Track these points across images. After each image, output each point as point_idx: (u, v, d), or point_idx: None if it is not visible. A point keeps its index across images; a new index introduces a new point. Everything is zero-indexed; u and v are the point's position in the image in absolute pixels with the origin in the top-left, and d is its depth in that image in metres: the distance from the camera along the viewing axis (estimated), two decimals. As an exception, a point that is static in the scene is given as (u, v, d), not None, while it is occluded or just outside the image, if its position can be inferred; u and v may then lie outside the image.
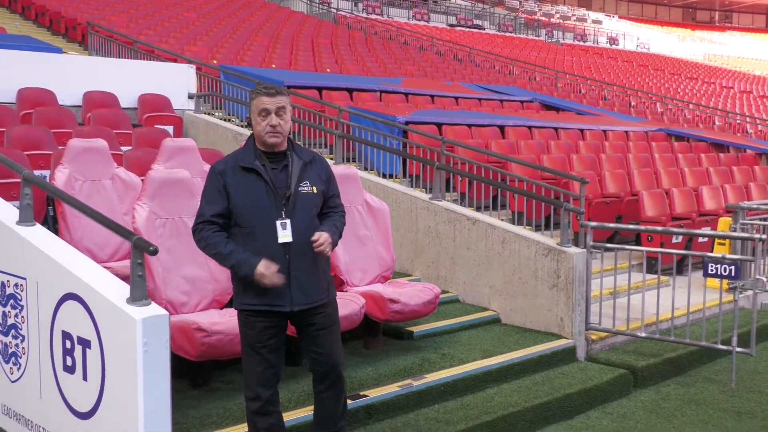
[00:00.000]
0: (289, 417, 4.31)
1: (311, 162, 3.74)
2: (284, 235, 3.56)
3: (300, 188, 3.64)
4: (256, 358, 3.63)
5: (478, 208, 7.64)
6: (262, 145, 3.67)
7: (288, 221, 3.57)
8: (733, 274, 5.87)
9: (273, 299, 3.57)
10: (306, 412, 4.37)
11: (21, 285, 4.15)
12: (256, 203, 3.58)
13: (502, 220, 7.32)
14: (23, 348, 4.18)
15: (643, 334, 6.35)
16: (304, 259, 3.60)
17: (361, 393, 4.83)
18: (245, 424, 4.22)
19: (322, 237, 3.57)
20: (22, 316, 4.17)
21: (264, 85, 3.66)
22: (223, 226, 3.63)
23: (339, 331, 3.84)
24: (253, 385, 3.64)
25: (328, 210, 3.79)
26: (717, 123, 21.24)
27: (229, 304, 4.97)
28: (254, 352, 3.63)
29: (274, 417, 3.71)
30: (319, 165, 3.78)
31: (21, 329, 4.19)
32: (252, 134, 3.72)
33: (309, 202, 3.65)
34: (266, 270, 3.48)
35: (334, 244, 3.69)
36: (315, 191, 3.68)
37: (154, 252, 3.58)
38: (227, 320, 4.49)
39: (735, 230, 7.78)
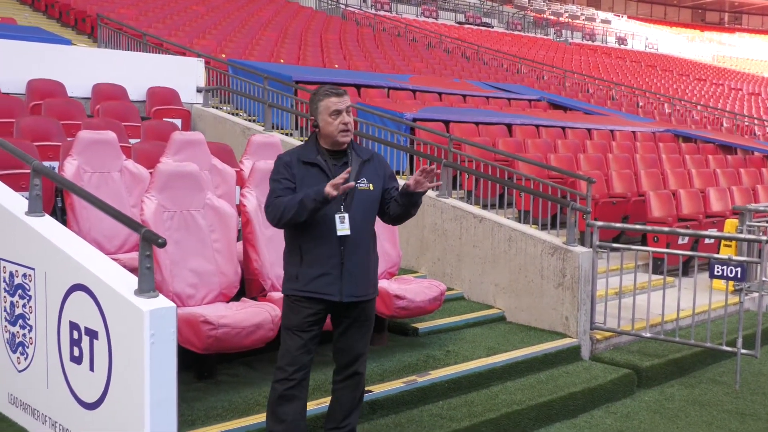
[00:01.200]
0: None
1: (370, 160, 3.85)
2: (342, 228, 3.67)
3: (358, 184, 3.74)
4: (295, 339, 3.73)
5: (484, 206, 7.64)
6: (328, 144, 3.78)
7: (346, 215, 3.68)
8: (739, 275, 5.86)
9: (324, 287, 3.68)
10: (322, 404, 4.38)
11: (29, 275, 4.18)
12: (315, 189, 3.65)
13: (508, 218, 7.32)
14: (31, 338, 4.20)
15: (648, 335, 6.35)
16: (357, 254, 3.72)
17: (366, 389, 4.82)
18: (250, 418, 4.27)
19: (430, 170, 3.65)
20: (30, 306, 4.19)
21: (328, 88, 3.79)
22: None
23: (371, 329, 3.93)
24: (285, 365, 3.73)
25: (393, 196, 3.84)
26: (725, 125, 21.18)
27: (236, 298, 5.01)
28: (294, 334, 3.73)
29: (298, 405, 3.76)
30: (377, 163, 3.88)
31: (29, 319, 4.21)
32: (313, 134, 3.83)
33: (366, 199, 3.76)
34: (332, 182, 3.52)
35: (419, 203, 3.81)
36: (372, 188, 3.78)
37: (163, 244, 3.60)
38: (234, 313, 4.51)
39: (741, 232, 7.76)
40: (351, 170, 3.69)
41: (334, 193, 3.50)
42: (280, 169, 3.77)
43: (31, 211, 4.32)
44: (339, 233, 3.66)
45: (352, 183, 3.61)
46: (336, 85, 3.88)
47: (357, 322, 3.83)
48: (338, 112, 3.71)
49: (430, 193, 7.64)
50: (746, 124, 22.23)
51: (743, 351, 5.93)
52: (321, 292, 3.70)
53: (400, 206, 3.77)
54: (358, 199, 3.74)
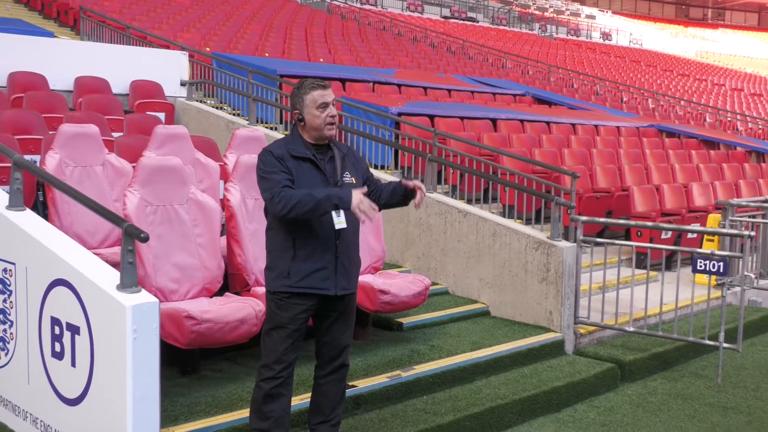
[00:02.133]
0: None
1: (347, 153, 3.89)
2: (339, 222, 3.68)
3: (344, 178, 3.77)
4: (283, 337, 3.69)
5: (469, 201, 7.65)
6: (313, 138, 3.77)
7: (341, 209, 3.65)
8: (721, 270, 5.91)
9: (320, 282, 3.67)
10: (304, 399, 4.37)
11: (10, 270, 4.13)
12: (309, 184, 3.68)
13: (493, 213, 7.33)
14: (11, 333, 4.16)
15: (631, 329, 6.39)
16: (349, 246, 3.77)
17: (350, 383, 4.82)
18: (234, 413, 4.25)
19: (416, 182, 3.78)
20: (11, 302, 4.15)
21: (313, 81, 3.77)
22: None
23: (354, 320, 3.97)
24: (272, 363, 3.70)
25: (379, 185, 3.91)
26: (708, 120, 21.32)
27: (219, 293, 4.99)
28: (283, 331, 3.70)
29: (283, 402, 3.74)
30: (353, 155, 3.93)
31: (9, 314, 4.17)
32: (295, 126, 3.81)
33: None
34: (361, 194, 3.55)
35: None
36: (354, 181, 3.80)
37: (145, 239, 3.57)
38: (217, 308, 4.49)
39: (724, 227, 7.83)
40: (337, 168, 3.76)
41: (363, 205, 3.49)
42: (274, 161, 3.68)
43: (12, 205, 4.28)
44: (337, 227, 3.66)
45: (375, 215, 3.63)
46: (320, 79, 3.87)
47: (343, 315, 3.85)
48: (325, 105, 3.70)
49: (415, 187, 7.63)
50: (729, 119, 22.40)
51: (725, 345, 5.98)
52: (316, 287, 3.67)
53: (395, 200, 3.86)
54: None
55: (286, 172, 3.66)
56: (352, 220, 3.73)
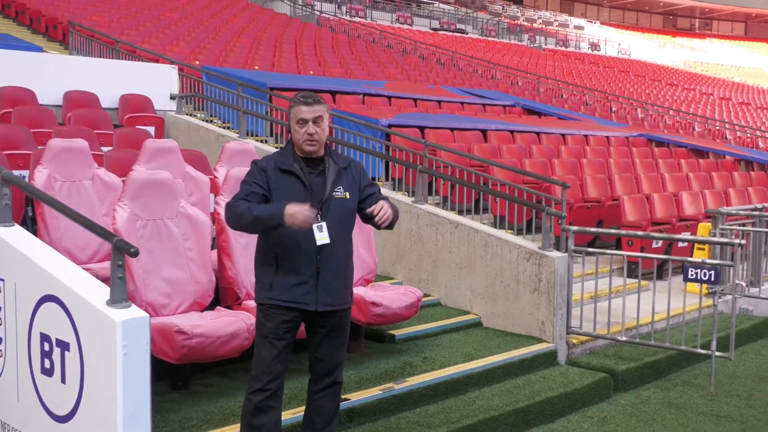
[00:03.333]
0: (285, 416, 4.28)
1: (347, 168, 3.83)
2: (321, 237, 3.65)
3: (334, 193, 3.72)
4: (269, 347, 3.69)
5: (460, 212, 7.65)
6: (300, 152, 3.77)
7: (324, 224, 3.65)
8: (712, 278, 5.92)
9: (299, 297, 3.66)
10: (298, 413, 4.34)
11: (-1, 286, 4.10)
12: (294, 198, 3.65)
13: (484, 223, 7.34)
14: (0, 350, 4.12)
15: (624, 338, 6.39)
16: (333, 262, 3.70)
17: (343, 396, 4.79)
18: (226, 428, 4.22)
19: (383, 206, 3.65)
20: (0, 318, 4.11)
21: (303, 95, 3.77)
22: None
23: (347, 337, 3.91)
24: (260, 374, 3.68)
25: (374, 201, 3.80)
26: (697, 129, 21.45)
27: (210, 307, 4.96)
28: (268, 342, 3.69)
29: (273, 415, 3.72)
30: (354, 170, 3.86)
31: (-2, 331, 4.13)
32: (290, 140, 3.83)
33: (342, 207, 3.74)
34: (297, 207, 3.49)
35: (395, 216, 3.73)
36: (348, 197, 3.76)
37: (135, 254, 3.55)
38: (208, 323, 4.46)
39: (714, 235, 7.85)
40: (327, 182, 3.71)
41: (299, 216, 3.46)
42: (254, 172, 3.74)
43: (1, 220, 4.25)
44: (318, 242, 3.64)
45: (314, 215, 3.52)
46: (313, 92, 3.86)
47: (333, 332, 3.80)
48: (304, 122, 3.68)
49: (406, 199, 7.64)
50: (717, 128, 22.54)
51: (717, 353, 5.99)
52: (296, 301, 3.66)
53: (371, 224, 3.78)
54: (334, 207, 3.72)
55: (261, 185, 3.68)
56: (341, 236, 3.71)
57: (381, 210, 3.64)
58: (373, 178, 9.45)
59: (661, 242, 8.58)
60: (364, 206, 3.80)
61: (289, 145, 3.83)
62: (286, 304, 3.67)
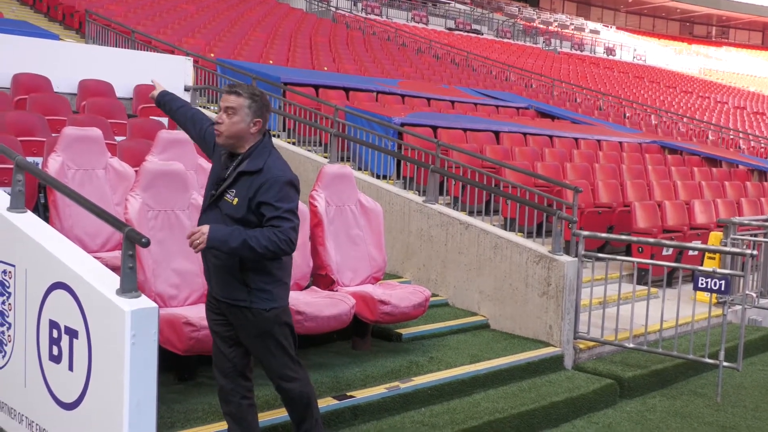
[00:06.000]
0: (271, 416, 4.29)
1: (253, 173, 3.52)
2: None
3: (226, 193, 3.56)
4: (213, 343, 3.76)
5: (470, 213, 7.63)
6: None
7: (203, 216, 3.66)
8: (722, 288, 5.88)
9: (205, 275, 3.76)
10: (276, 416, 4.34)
11: (9, 272, 4.11)
12: (206, 188, 3.72)
13: (494, 225, 7.32)
14: (9, 335, 4.14)
15: (631, 345, 6.36)
16: (213, 257, 3.61)
17: (348, 393, 4.81)
18: (230, 420, 4.21)
19: (198, 231, 3.42)
20: (10, 304, 4.13)
21: (232, 83, 3.80)
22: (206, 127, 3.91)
23: (274, 344, 3.64)
24: (214, 369, 3.76)
25: (264, 224, 3.51)
26: (710, 137, 21.33)
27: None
28: (212, 336, 3.78)
29: (233, 406, 3.74)
30: (257, 180, 3.50)
31: (8, 316, 4.15)
32: None
33: (224, 209, 3.55)
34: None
35: (225, 249, 3.44)
36: (235, 202, 3.51)
37: (146, 244, 3.56)
38: (216, 315, 4.46)
39: (726, 245, 7.80)
40: (226, 180, 3.57)
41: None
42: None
43: (13, 207, 4.27)
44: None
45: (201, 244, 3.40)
46: (248, 85, 3.69)
47: (250, 338, 3.63)
48: (219, 108, 3.61)
49: (417, 198, 7.63)
50: (731, 137, 22.41)
51: (725, 364, 5.95)
52: (205, 276, 3.76)
53: None
54: (220, 206, 3.56)
55: (210, 145, 3.81)
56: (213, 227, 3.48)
57: (191, 236, 3.43)
58: (385, 176, 9.43)
59: (671, 250, 8.53)
60: (256, 219, 3.52)
61: None
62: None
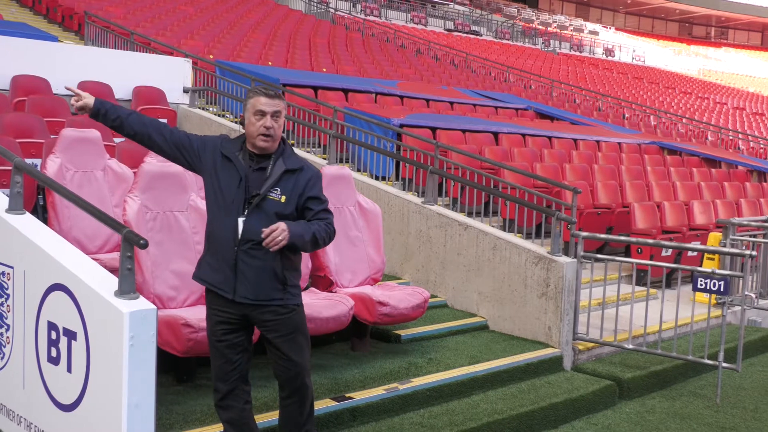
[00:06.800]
0: (265, 418, 4.28)
1: (295, 171, 3.63)
2: (241, 231, 3.56)
3: (270, 192, 3.57)
4: (213, 351, 3.71)
5: (469, 214, 7.63)
6: (250, 145, 3.66)
7: (241, 220, 3.56)
8: (722, 289, 5.89)
9: (219, 283, 3.61)
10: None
11: (8, 274, 4.11)
12: (227, 191, 3.59)
13: (493, 226, 7.31)
14: (8, 337, 4.14)
15: (630, 346, 6.36)
16: (252, 258, 3.55)
17: (347, 395, 4.80)
18: (229, 422, 4.21)
19: (276, 229, 3.41)
20: (8, 305, 4.12)
21: (263, 86, 3.68)
22: (172, 141, 3.70)
23: (303, 339, 3.72)
24: (213, 376, 3.72)
25: (311, 219, 3.65)
26: (710, 138, 21.34)
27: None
28: (212, 345, 3.71)
29: (234, 411, 3.72)
30: (303, 176, 3.64)
31: (6, 318, 4.14)
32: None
33: (272, 208, 3.56)
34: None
35: (300, 243, 3.53)
36: (283, 200, 3.57)
37: (145, 245, 3.55)
38: (215, 317, 4.45)
39: (725, 246, 7.81)
40: (267, 180, 3.56)
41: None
42: (202, 137, 3.73)
43: (12, 208, 4.26)
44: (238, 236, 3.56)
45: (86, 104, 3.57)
46: (275, 86, 3.76)
47: (283, 335, 3.63)
48: (262, 114, 3.56)
49: (416, 199, 7.63)
50: (731, 138, 22.42)
51: (725, 365, 5.95)
52: (215, 285, 3.60)
53: None
54: (264, 207, 3.55)
55: (192, 143, 3.67)
56: (256, 233, 3.48)
57: (270, 234, 3.41)
58: (384, 177, 9.43)
59: (670, 251, 8.53)
60: (302, 217, 3.64)
61: (242, 134, 3.72)
62: (208, 286, 3.65)
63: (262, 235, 3.43)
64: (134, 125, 3.69)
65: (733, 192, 12.18)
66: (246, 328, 3.71)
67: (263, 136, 3.58)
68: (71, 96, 3.85)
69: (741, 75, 47.83)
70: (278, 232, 3.41)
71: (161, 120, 8.64)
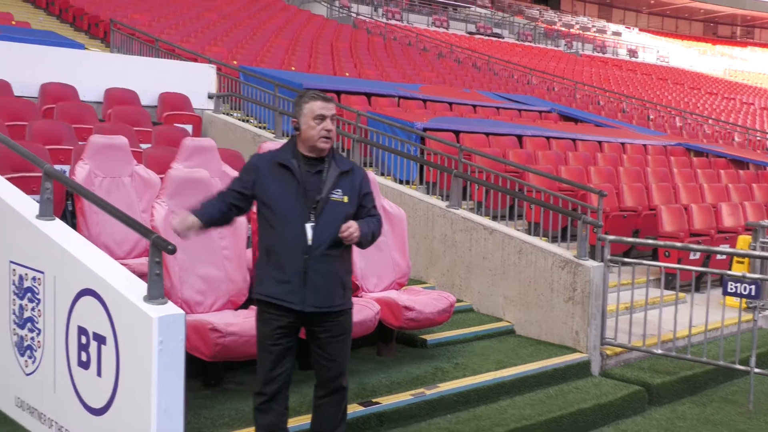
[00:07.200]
0: (297, 422, 4.28)
1: (348, 172, 3.75)
2: (309, 238, 3.59)
3: (331, 195, 3.65)
4: (266, 355, 3.68)
5: (494, 218, 7.60)
6: (306, 149, 3.70)
7: (309, 225, 3.59)
8: (753, 293, 5.79)
9: (286, 294, 3.59)
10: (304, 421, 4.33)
11: (39, 279, 4.16)
12: (284, 200, 3.63)
13: (518, 230, 7.27)
14: (39, 341, 4.18)
15: (659, 351, 6.28)
16: (322, 264, 3.60)
17: (374, 400, 4.80)
18: (257, 427, 4.22)
19: (352, 226, 3.60)
20: (39, 310, 4.17)
21: (317, 92, 3.76)
22: (237, 204, 3.74)
23: (350, 341, 3.82)
24: (260, 380, 3.71)
25: (365, 216, 3.79)
26: (737, 139, 21.07)
27: (244, 305, 4.98)
28: (265, 348, 3.69)
29: (275, 415, 3.71)
30: (356, 176, 3.79)
31: (37, 323, 4.19)
32: (293, 137, 3.75)
33: (338, 210, 3.66)
34: (178, 217, 3.64)
35: (365, 240, 3.71)
36: (346, 200, 3.68)
37: (173, 251, 3.58)
38: (242, 321, 4.48)
39: (755, 248, 7.69)
40: (326, 183, 3.66)
41: (175, 223, 3.63)
42: (247, 169, 3.76)
43: (42, 214, 4.31)
44: (310, 242, 3.57)
45: (192, 224, 3.62)
46: (324, 92, 3.83)
47: (335, 336, 3.70)
48: (322, 117, 3.65)
49: (440, 203, 7.61)
50: (758, 138, 22.12)
51: (757, 370, 5.85)
52: (281, 298, 3.59)
53: None
54: (329, 209, 3.63)
55: (246, 184, 3.70)
56: (330, 238, 3.59)
57: (347, 231, 3.57)
58: (407, 181, 9.42)
59: (699, 254, 8.42)
60: (357, 215, 3.74)
61: (291, 141, 3.76)
62: (272, 300, 3.62)
63: (342, 233, 3.57)
64: (216, 223, 3.80)
65: (762, 194, 12.00)
66: (297, 332, 3.74)
67: (325, 138, 3.67)
68: (98, 103, 3.92)
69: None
70: (353, 229, 3.60)
71: (186, 126, 8.71)
